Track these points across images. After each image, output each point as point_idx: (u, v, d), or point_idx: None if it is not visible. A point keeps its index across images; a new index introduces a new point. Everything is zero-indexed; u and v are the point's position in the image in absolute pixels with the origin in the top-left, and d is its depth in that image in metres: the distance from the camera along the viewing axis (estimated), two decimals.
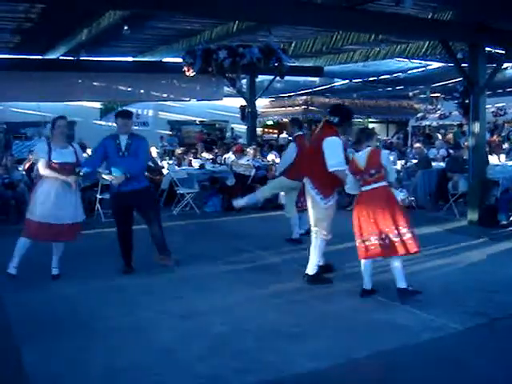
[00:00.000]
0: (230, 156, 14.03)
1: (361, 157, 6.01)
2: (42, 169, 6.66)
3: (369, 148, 6.03)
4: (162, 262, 7.19)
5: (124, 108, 22.94)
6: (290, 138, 8.97)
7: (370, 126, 25.98)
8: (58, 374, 4.24)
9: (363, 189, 6.02)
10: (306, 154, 7.09)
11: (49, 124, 6.55)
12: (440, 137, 20.55)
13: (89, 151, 15.67)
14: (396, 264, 5.91)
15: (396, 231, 5.80)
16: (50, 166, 6.61)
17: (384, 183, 5.98)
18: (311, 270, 6.56)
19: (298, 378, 4.14)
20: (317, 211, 6.50)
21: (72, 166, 6.70)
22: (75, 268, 7.30)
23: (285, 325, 5.22)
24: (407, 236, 5.81)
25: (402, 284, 5.86)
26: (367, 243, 5.92)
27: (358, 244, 6.03)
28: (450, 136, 20.92)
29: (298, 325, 5.21)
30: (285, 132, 25.56)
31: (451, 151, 14.40)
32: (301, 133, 8.67)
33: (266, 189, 8.92)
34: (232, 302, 5.91)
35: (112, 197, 7.34)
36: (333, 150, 6.26)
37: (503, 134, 20.23)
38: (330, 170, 6.22)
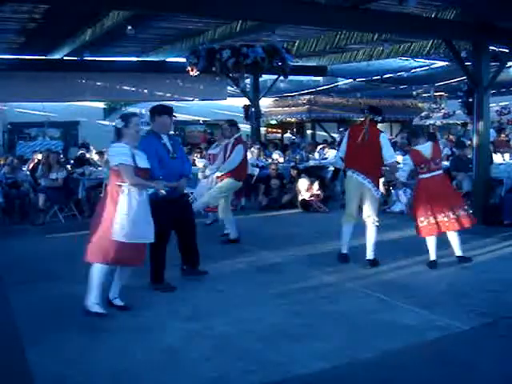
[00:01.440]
0: None
1: (426, 149, 7.17)
2: (130, 177, 5.40)
3: (430, 142, 7.27)
4: (198, 276, 6.81)
5: (128, 108, 23.12)
6: (233, 140, 8.61)
7: None
8: (62, 373, 4.24)
9: (424, 176, 7.20)
10: (358, 151, 7.28)
11: (118, 120, 5.52)
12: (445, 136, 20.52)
13: (93, 151, 15.76)
14: (453, 237, 7.24)
15: (453, 210, 7.10)
16: (135, 173, 5.46)
17: (442, 170, 7.38)
18: (371, 255, 7.28)
19: (303, 379, 4.14)
20: (373, 202, 7.30)
21: (149, 172, 5.76)
22: (79, 268, 7.31)
23: (289, 325, 5.22)
24: (462, 213, 7.16)
25: (459, 252, 7.30)
26: (430, 221, 7.09)
27: (419, 224, 7.18)
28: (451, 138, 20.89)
29: (302, 325, 5.21)
30: (288, 131, 25.59)
31: (455, 150, 14.37)
32: (239, 134, 8.86)
33: (215, 195, 8.77)
34: (236, 302, 5.91)
35: (159, 205, 5.91)
36: (388, 144, 7.33)
37: (507, 133, 20.18)
38: (391, 160, 7.23)
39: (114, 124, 5.56)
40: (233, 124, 8.88)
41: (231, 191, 8.92)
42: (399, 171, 7.50)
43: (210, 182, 9.06)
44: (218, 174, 8.77)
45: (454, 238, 7.26)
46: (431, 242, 7.19)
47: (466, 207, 7.35)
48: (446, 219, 7.07)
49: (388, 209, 11.60)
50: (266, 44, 12.43)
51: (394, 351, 4.58)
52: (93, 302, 5.44)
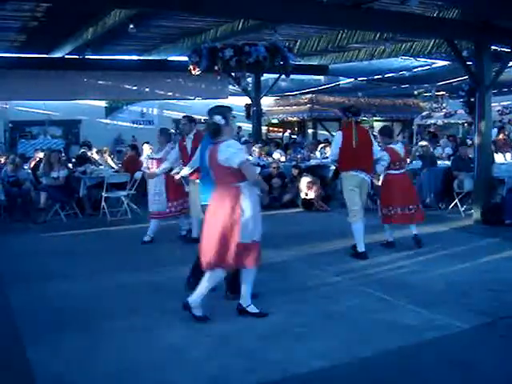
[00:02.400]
0: None
1: (400, 148, 8.23)
2: (254, 175, 5.27)
3: (401, 143, 8.53)
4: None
5: (129, 107, 23.14)
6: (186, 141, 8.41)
7: (375, 124, 25.95)
8: (63, 373, 4.25)
9: (393, 172, 8.05)
10: (355, 151, 7.58)
11: (218, 117, 5.17)
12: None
13: (94, 149, 15.76)
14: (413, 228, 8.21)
15: (412, 205, 8.07)
16: None
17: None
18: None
19: (302, 378, 4.14)
20: (366, 195, 7.96)
21: None
22: (81, 267, 7.33)
23: (289, 324, 5.23)
24: (419, 209, 8.20)
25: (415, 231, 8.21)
26: (392, 212, 8.02)
27: (384, 213, 8.09)
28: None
29: (303, 324, 5.21)
30: (288, 131, 25.58)
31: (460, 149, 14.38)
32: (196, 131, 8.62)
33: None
34: (236, 300, 5.90)
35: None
36: (374, 140, 8.01)
37: (506, 133, 20.16)
38: (379, 155, 7.89)
39: (214, 121, 5.20)
40: (192, 120, 8.72)
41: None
42: (380, 166, 8.02)
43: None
44: (184, 172, 8.10)
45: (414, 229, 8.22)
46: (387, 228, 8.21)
47: (419, 204, 8.40)
48: (407, 212, 8.03)
49: None
50: (268, 43, 12.42)
51: (393, 350, 4.58)
52: (198, 302, 5.30)
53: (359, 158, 7.57)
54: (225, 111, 5.26)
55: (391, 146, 8.15)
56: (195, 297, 5.29)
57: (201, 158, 6.05)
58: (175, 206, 8.88)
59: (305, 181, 12.11)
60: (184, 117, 8.91)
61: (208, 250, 5.20)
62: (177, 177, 8.35)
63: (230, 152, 5.09)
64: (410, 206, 8.05)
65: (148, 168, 9.17)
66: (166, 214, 8.88)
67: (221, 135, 5.21)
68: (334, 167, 12.09)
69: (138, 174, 10.97)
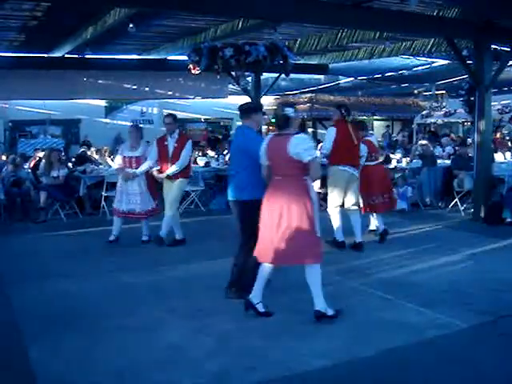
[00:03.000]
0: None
1: (375, 140, 8.91)
2: (319, 171, 5.37)
3: (375, 136, 9.18)
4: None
5: (129, 106, 23.11)
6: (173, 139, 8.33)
7: (375, 123, 25.95)
8: (64, 372, 4.25)
9: (371, 163, 8.46)
10: (349, 148, 7.95)
11: (290, 109, 5.29)
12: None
13: (92, 149, 15.76)
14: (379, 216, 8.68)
15: (386, 194, 8.62)
16: None
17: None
18: (361, 237, 8.12)
19: (305, 376, 4.15)
20: (357, 191, 8.15)
21: None
22: (81, 266, 7.33)
23: (291, 323, 5.23)
24: (391, 197, 8.85)
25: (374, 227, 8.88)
26: (376, 202, 8.49)
27: (368, 203, 8.49)
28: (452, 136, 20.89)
29: (305, 323, 5.21)
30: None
31: (457, 148, 14.39)
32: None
33: (177, 199, 8.56)
34: (238, 299, 5.90)
35: (256, 202, 5.47)
36: None
37: (505, 132, 20.17)
38: (363, 152, 8.27)
39: (285, 113, 5.23)
40: (176, 118, 8.65)
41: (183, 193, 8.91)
42: (362, 159, 8.33)
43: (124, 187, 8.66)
44: (172, 171, 8.21)
45: (379, 217, 8.68)
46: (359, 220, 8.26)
47: (392, 193, 9.06)
48: (381, 201, 8.55)
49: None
50: (268, 42, 12.41)
51: (394, 349, 4.59)
52: (325, 304, 5.25)
53: (350, 153, 7.91)
54: (295, 104, 5.53)
55: (368, 138, 8.62)
56: (255, 293, 5.34)
57: (234, 154, 6.08)
58: (157, 205, 8.86)
59: None
60: (169, 115, 8.73)
61: (277, 244, 5.13)
62: (162, 175, 8.33)
63: (304, 146, 5.10)
64: (385, 195, 8.60)
65: (122, 166, 8.69)
66: (151, 212, 8.74)
67: (289, 127, 5.25)
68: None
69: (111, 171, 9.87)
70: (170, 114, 8.80)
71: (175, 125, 8.47)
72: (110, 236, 8.66)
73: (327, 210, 8.14)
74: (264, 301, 5.43)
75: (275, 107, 5.04)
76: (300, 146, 5.08)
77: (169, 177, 8.32)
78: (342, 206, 8.10)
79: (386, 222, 9.18)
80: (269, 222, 5.21)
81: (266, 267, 5.33)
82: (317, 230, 5.16)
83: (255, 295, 5.35)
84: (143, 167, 8.47)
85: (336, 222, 8.12)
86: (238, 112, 6.15)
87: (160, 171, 8.40)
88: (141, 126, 9.36)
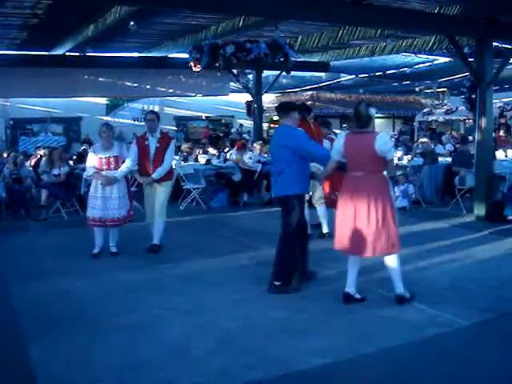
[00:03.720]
0: (232, 152, 13.96)
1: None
2: (395, 168, 6.30)
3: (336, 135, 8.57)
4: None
5: (130, 104, 23.13)
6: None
7: (377, 121, 25.93)
8: (64, 371, 4.24)
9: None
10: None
11: (373, 109, 5.62)
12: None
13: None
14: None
15: None
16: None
17: None
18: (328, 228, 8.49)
19: (305, 374, 4.15)
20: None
21: None
22: (82, 264, 7.33)
23: (291, 321, 5.23)
24: None
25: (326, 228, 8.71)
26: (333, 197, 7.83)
27: (333, 198, 7.70)
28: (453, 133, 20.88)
29: (305, 321, 5.21)
30: None
31: (458, 146, 14.38)
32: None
33: (165, 203, 8.02)
34: (239, 297, 5.91)
35: (304, 196, 6.46)
36: None
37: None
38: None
39: (369, 113, 5.50)
40: (159, 116, 8.12)
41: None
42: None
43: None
44: (159, 175, 7.78)
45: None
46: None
47: None
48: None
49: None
50: (269, 40, 12.42)
51: (395, 347, 4.58)
52: (404, 289, 5.62)
53: None
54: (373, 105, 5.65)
55: (331, 136, 8.89)
56: (351, 285, 5.67)
57: (278, 151, 6.21)
58: (132, 210, 8.01)
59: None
60: (152, 112, 8.33)
61: (368, 236, 5.42)
62: (148, 180, 7.80)
63: (389, 145, 5.52)
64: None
65: (96, 168, 7.69)
66: (126, 218, 7.85)
67: (369, 126, 5.51)
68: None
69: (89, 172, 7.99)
70: (153, 111, 8.43)
71: (157, 123, 7.87)
72: (94, 248, 7.76)
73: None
74: (264, 299, 5.42)
75: (357, 106, 5.35)
76: (387, 144, 5.45)
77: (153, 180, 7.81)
78: (309, 200, 8.58)
79: None
80: (353, 215, 5.49)
81: (354, 259, 5.67)
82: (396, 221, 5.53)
83: (350, 286, 5.68)
84: (123, 169, 7.68)
85: (325, 215, 8.73)
86: (278, 111, 6.47)
87: (141, 173, 7.91)
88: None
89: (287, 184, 6.06)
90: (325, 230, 8.70)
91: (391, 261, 5.58)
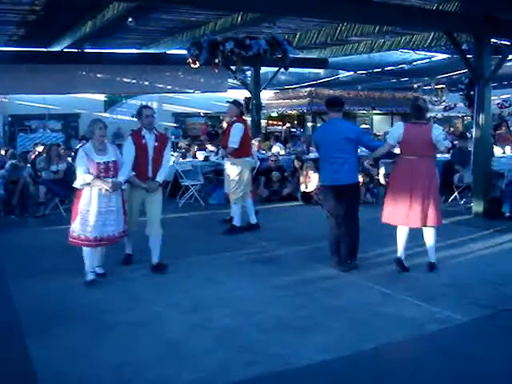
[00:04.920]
0: None
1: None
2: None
3: None
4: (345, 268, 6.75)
5: (128, 101, 23.09)
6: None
7: (375, 117, 25.94)
8: (64, 368, 4.24)
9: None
10: (249, 140, 9.45)
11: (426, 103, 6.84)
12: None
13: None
14: None
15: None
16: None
17: None
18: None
19: (305, 371, 4.15)
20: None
21: None
22: (81, 261, 7.31)
23: (291, 317, 5.23)
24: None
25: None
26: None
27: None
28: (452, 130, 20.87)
29: (304, 317, 5.22)
30: (287, 125, 25.55)
31: (456, 142, 14.36)
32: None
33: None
34: (238, 294, 5.92)
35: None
36: None
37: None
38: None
39: (427, 106, 6.85)
40: (155, 113, 7.41)
41: None
42: None
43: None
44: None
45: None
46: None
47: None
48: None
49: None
50: (268, 36, 12.41)
51: (395, 344, 4.60)
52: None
53: (250, 145, 9.43)
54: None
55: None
56: (402, 252, 6.66)
57: (337, 143, 6.73)
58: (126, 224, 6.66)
59: (308, 168, 11.98)
60: (148, 107, 7.44)
61: (423, 210, 6.43)
62: (153, 185, 6.79)
63: (443, 135, 6.61)
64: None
65: (91, 174, 6.21)
66: (122, 235, 6.65)
67: (424, 117, 6.68)
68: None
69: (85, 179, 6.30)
70: (148, 106, 7.51)
71: (154, 120, 7.03)
72: (87, 275, 6.37)
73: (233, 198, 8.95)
74: (263, 296, 5.41)
75: (416, 101, 6.60)
76: (441, 134, 6.50)
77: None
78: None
79: None
80: (409, 192, 6.41)
81: (403, 230, 6.64)
82: None
83: (402, 252, 6.66)
84: (124, 175, 6.49)
85: (238, 210, 9.00)
86: (328, 106, 7.02)
87: (138, 177, 6.78)
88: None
89: (352, 172, 6.79)
90: (253, 220, 9.27)
91: (433, 233, 6.64)
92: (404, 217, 6.48)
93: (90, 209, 6.24)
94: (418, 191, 6.36)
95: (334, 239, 6.85)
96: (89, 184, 6.21)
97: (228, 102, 9.16)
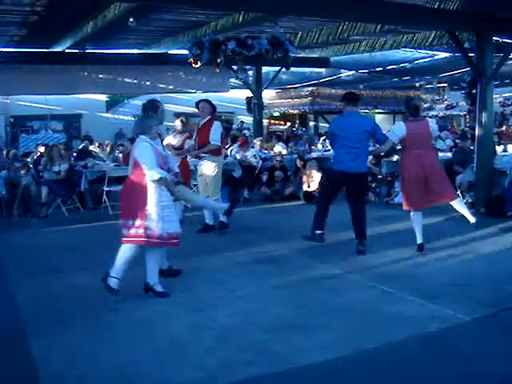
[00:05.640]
0: (234, 148, 13.95)
1: None
2: None
3: None
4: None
5: (130, 101, 23.09)
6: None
7: (377, 116, 25.92)
8: (66, 367, 4.24)
9: None
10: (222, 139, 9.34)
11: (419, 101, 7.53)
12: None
13: (96, 143, 15.76)
14: None
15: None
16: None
17: None
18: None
19: (306, 370, 4.14)
20: None
21: None
22: (84, 261, 7.33)
23: (293, 317, 5.23)
24: None
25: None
26: None
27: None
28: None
29: (306, 316, 5.21)
30: (288, 124, 25.54)
31: (458, 141, 14.35)
32: None
33: None
34: (240, 294, 5.91)
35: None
36: None
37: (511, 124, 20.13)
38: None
39: (421, 105, 7.99)
40: None
41: None
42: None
43: None
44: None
45: None
46: None
47: None
48: None
49: (391, 200, 11.58)
50: (270, 36, 12.40)
51: (396, 343, 4.58)
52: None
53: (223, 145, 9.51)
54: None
55: None
56: (421, 237, 7.44)
57: (357, 133, 7.40)
58: None
59: (311, 168, 11.97)
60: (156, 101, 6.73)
61: (433, 191, 7.31)
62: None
63: (436, 125, 7.83)
64: None
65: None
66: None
67: (420, 114, 7.61)
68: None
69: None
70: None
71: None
72: (155, 285, 5.87)
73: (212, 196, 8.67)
74: (265, 295, 5.41)
75: (412, 101, 7.87)
76: (436, 126, 7.77)
77: None
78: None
79: (388, 215, 9.21)
80: (424, 180, 7.23)
81: (419, 215, 7.43)
82: None
83: (421, 237, 7.41)
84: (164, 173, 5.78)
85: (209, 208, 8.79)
86: (346, 100, 7.61)
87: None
88: None
89: (365, 162, 7.70)
90: (224, 219, 8.86)
91: (458, 203, 7.63)
92: (426, 201, 7.35)
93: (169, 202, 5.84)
94: (431, 177, 7.22)
95: (324, 216, 7.77)
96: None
97: (201, 100, 8.97)
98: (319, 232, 7.76)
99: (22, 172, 11.15)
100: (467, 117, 18.09)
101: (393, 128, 7.73)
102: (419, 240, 7.34)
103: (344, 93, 8.23)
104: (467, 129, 14.29)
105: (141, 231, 5.59)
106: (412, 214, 7.40)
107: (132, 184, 5.78)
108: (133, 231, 5.63)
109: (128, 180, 5.88)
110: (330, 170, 7.82)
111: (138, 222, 5.59)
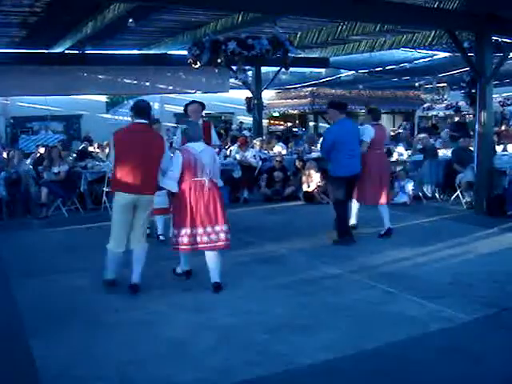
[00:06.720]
0: (234, 148, 13.93)
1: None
2: None
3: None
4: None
5: (130, 101, 23.07)
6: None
7: None
8: (66, 366, 4.25)
9: None
10: None
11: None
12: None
13: (95, 144, 15.76)
14: None
15: None
16: None
17: None
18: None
19: (306, 370, 4.14)
20: None
21: None
22: (83, 261, 7.33)
23: (294, 316, 5.23)
24: None
25: None
26: None
27: None
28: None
29: (307, 316, 5.21)
30: (288, 124, 25.54)
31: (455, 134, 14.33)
32: None
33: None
34: (241, 294, 5.91)
35: None
36: None
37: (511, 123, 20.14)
38: None
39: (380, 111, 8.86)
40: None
41: None
42: None
43: None
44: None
45: None
46: None
47: None
48: None
49: (391, 200, 11.56)
50: (269, 36, 12.39)
51: (397, 343, 4.58)
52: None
53: None
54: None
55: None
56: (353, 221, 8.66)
57: (354, 139, 8.07)
58: None
59: (310, 168, 11.97)
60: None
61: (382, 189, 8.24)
62: None
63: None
64: None
65: None
66: None
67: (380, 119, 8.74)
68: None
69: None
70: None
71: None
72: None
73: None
74: (265, 295, 5.40)
75: (373, 108, 8.98)
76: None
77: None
78: None
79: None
80: (379, 177, 8.16)
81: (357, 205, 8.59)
82: None
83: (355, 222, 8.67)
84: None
85: None
86: (340, 108, 8.10)
87: None
88: None
89: (360, 161, 8.08)
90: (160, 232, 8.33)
91: (383, 209, 8.31)
92: (377, 197, 8.21)
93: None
94: (385, 176, 8.36)
95: (348, 220, 8.36)
96: None
97: (191, 102, 8.63)
98: (349, 237, 8.07)
99: (15, 161, 11.19)
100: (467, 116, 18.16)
101: (366, 130, 8.31)
102: (353, 221, 8.64)
103: (332, 102, 8.72)
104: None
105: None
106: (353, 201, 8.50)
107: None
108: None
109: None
110: (338, 177, 8.01)
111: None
